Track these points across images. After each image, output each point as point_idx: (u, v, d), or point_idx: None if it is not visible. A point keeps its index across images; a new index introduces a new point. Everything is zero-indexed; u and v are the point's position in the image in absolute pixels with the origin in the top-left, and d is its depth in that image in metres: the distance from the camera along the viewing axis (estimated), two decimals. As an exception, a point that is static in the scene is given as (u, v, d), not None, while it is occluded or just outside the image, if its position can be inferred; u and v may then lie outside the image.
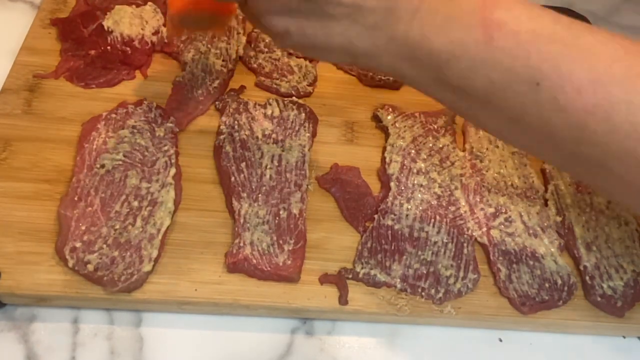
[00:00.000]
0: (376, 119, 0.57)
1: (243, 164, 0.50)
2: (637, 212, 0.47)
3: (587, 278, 0.48)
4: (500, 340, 0.47)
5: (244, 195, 0.49)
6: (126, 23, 0.59)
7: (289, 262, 0.45)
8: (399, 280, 0.46)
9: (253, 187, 0.49)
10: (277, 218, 0.48)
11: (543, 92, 0.32)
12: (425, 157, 0.54)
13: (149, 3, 0.62)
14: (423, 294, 0.46)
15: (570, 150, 0.34)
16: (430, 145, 0.55)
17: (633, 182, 0.33)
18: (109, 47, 0.58)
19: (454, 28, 0.33)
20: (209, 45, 0.60)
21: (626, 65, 0.31)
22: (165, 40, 0.60)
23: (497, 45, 0.32)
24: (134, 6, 0.61)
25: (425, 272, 0.47)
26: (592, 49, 0.32)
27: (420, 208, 0.50)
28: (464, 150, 0.56)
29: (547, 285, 0.47)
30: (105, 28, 0.59)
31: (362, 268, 0.46)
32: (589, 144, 0.32)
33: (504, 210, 0.51)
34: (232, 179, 0.49)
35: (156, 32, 0.60)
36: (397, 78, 0.37)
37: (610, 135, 0.31)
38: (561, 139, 0.33)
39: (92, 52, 0.58)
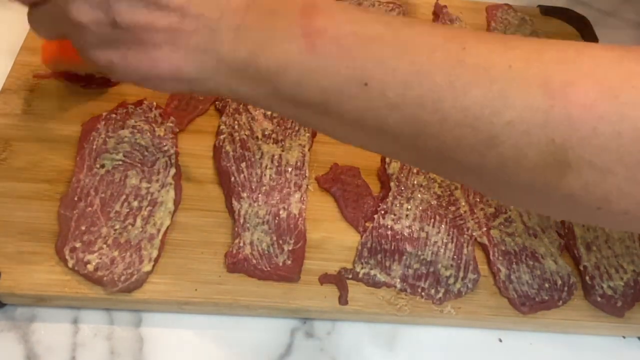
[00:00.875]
0: (376, 119, 0.57)
1: (243, 164, 0.50)
2: (493, 197, 0.47)
3: (587, 278, 0.48)
4: (500, 340, 0.47)
5: (244, 195, 0.49)
6: None
7: (289, 262, 0.45)
8: (398, 280, 0.46)
9: (253, 187, 0.49)
10: (277, 218, 0.48)
11: (372, 92, 0.32)
12: (425, 157, 0.54)
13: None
14: (423, 294, 0.46)
15: (411, 145, 0.34)
16: (430, 145, 0.55)
17: (473, 168, 0.33)
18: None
19: (277, 41, 0.33)
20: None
21: (446, 51, 0.31)
22: None
23: (321, 53, 0.32)
24: None
25: (425, 272, 0.47)
26: (413, 42, 0.32)
27: (420, 208, 0.50)
28: (464, 150, 0.56)
29: (547, 285, 0.47)
30: None
31: (362, 268, 0.46)
32: (425, 136, 0.32)
33: (504, 210, 0.51)
34: (232, 179, 0.49)
35: None
36: (236, 99, 0.37)
37: (441, 124, 0.32)
38: (400, 135, 0.33)
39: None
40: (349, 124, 0.34)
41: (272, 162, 0.51)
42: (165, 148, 0.51)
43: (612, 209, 0.31)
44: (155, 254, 0.44)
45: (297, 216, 0.48)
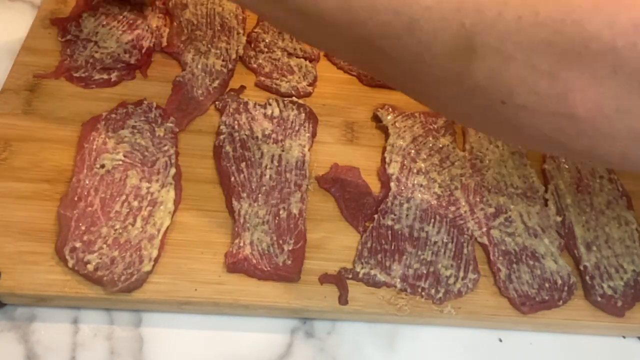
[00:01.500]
0: (376, 119, 0.57)
1: (243, 164, 0.50)
2: (417, 99, 0.48)
3: (587, 278, 0.48)
4: (500, 340, 0.47)
5: (244, 195, 0.49)
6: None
7: (289, 262, 0.45)
8: (398, 280, 0.46)
9: (253, 187, 0.49)
10: (277, 218, 0.48)
11: None
12: (425, 157, 0.54)
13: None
14: (423, 293, 0.46)
15: (345, 36, 0.36)
16: (430, 145, 0.55)
17: (397, 57, 0.35)
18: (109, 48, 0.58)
19: None
20: (209, 45, 0.60)
21: None
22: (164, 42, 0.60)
23: None
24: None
25: (425, 272, 0.47)
26: None
27: (420, 208, 0.50)
28: (464, 150, 0.56)
29: (547, 285, 0.47)
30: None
31: (362, 268, 0.46)
32: (356, 25, 0.35)
33: (504, 210, 0.51)
34: (232, 179, 0.49)
35: (157, 34, 0.60)
36: (255, 13, 0.41)
37: (369, 11, 0.34)
38: (337, 25, 0.36)
39: (92, 51, 0.58)
40: (296, 15, 0.37)
41: (272, 162, 0.51)
42: (165, 148, 0.51)
43: (514, 102, 0.32)
44: (155, 254, 0.44)
45: (297, 216, 0.48)
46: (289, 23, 0.40)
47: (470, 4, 0.31)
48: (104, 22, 0.60)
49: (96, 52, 0.58)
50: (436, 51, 0.33)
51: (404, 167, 0.53)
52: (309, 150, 0.53)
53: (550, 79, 0.30)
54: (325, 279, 0.46)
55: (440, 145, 0.55)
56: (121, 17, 0.61)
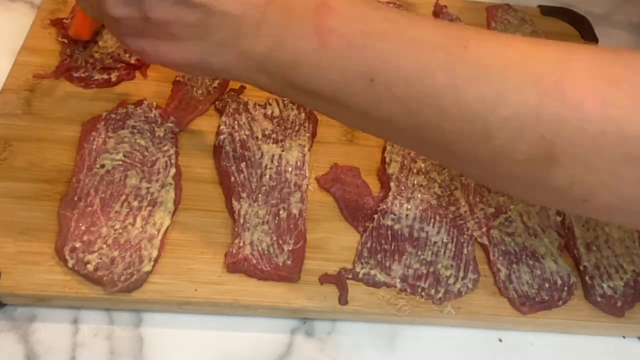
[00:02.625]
0: (376, 119, 0.57)
1: (243, 164, 0.50)
2: (491, 187, 0.50)
3: (587, 278, 0.48)
4: (500, 340, 0.47)
5: (244, 195, 0.49)
6: None
7: (289, 262, 0.45)
8: (398, 280, 0.46)
9: (253, 187, 0.49)
10: (277, 218, 0.48)
11: (378, 87, 0.34)
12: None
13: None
14: (423, 294, 0.46)
15: (415, 137, 0.36)
16: (430, 145, 0.55)
17: (471, 160, 0.35)
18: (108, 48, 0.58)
19: (293, 37, 0.35)
20: (209, 45, 0.60)
21: (447, 50, 0.33)
22: None
23: (330, 49, 0.34)
24: None
25: (425, 272, 0.47)
26: (417, 40, 0.34)
27: (420, 208, 0.50)
28: (464, 150, 0.56)
29: (547, 285, 0.47)
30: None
31: (362, 268, 0.46)
32: (427, 130, 0.34)
33: (503, 210, 0.51)
34: (232, 179, 0.49)
35: None
36: (259, 87, 0.39)
37: (441, 119, 0.33)
38: (404, 128, 0.35)
39: (92, 52, 0.58)
40: (358, 114, 0.36)
41: (272, 162, 0.51)
42: (165, 148, 0.51)
43: (597, 202, 0.33)
44: (155, 254, 0.44)
45: (297, 216, 0.48)
46: (345, 120, 0.40)
47: (549, 116, 0.31)
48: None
49: (96, 52, 0.58)
50: (513, 158, 0.33)
51: (404, 167, 0.53)
52: (309, 150, 0.53)
53: (635, 185, 0.31)
54: (325, 279, 0.46)
55: (440, 145, 0.55)
56: None
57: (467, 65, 0.33)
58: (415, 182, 0.52)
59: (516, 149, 0.32)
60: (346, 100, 0.36)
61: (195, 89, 0.57)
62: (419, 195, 0.51)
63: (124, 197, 0.47)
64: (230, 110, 0.55)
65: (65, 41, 0.58)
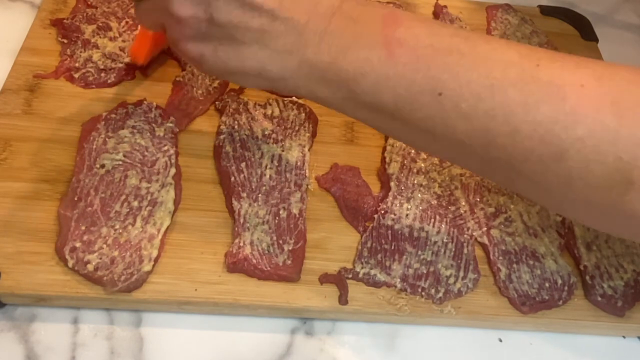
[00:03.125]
0: (376, 118, 0.57)
1: (243, 164, 0.50)
2: (556, 211, 0.49)
3: (587, 278, 0.48)
4: (500, 340, 0.47)
5: (244, 195, 0.49)
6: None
7: (289, 262, 0.45)
8: (399, 280, 0.46)
9: (253, 187, 0.49)
10: (277, 218, 0.48)
11: (446, 101, 0.34)
12: (425, 157, 0.54)
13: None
14: (423, 293, 0.46)
15: (480, 155, 0.35)
16: (430, 145, 0.55)
17: (540, 181, 0.34)
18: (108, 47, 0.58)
19: (359, 48, 0.35)
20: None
21: (520, 68, 0.33)
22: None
23: (399, 61, 0.34)
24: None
25: (425, 272, 0.47)
26: (488, 56, 0.34)
27: (420, 208, 0.50)
28: (464, 150, 0.56)
29: (547, 285, 0.47)
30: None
31: (362, 268, 0.46)
32: (494, 147, 0.34)
33: (504, 210, 0.51)
34: (232, 179, 0.49)
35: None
36: (314, 100, 0.39)
37: (512, 137, 0.33)
38: (469, 144, 0.35)
39: (92, 52, 0.58)
40: (420, 131, 0.36)
41: (272, 162, 0.51)
42: (165, 148, 0.51)
43: None
44: (155, 254, 0.44)
45: (297, 216, 0.48)
46: (406, 137, 0.39)
47: (627, 137, 0.31)
48: (104, 23, 0.60)
49: (96, 52, 0.58)
50: (587, 179, 0.32)
51: (404, 167, 0.53)
52: (309, 150, 0.53)
53: None
54: (325, 279, 0.46)
55: (440, 145, 0.55)
56: (121, 17, 0.61)
57: (540, 83, 0.32)
58: (415, 182, 0.52)
59: (591, 171, 0.32)
60: (410, 115, 0.35)
61: (195, 89, 0.57)
62: (419, 195, 0.51)
63: (124, 197, 0.47)
64: (230, 110, 0.55)
65: (65, 41, 0.59)
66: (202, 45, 0.38)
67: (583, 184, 0.32)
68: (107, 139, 0.50)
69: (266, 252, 0.46)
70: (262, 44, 0.36)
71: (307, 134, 0.54)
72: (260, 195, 0.49)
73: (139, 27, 0.57)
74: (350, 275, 0.46)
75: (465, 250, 0.48)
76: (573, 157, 0.32)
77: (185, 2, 0.36)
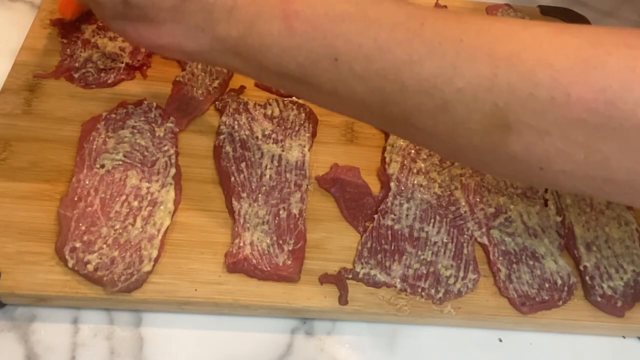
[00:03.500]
0: (376, 119, 0.57)
1: (243, 164, 0.50)
2: (452, 159, 0.52)
3: (587, 278, 0.48)
4: (500, 340, 0.47)
5: (244, 195, 0.49)
6: None
7: (289, 262, 0.45)
8: (398, 280, 0.46)
9: (253, 187, 0.49)
10: (277, 218, 0.48)
11: (342, 65, 0.36)
12: (425, 157, 0.54)
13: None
14: (423, 294, 0.46)
15: (378, 112, 0.37)
16: (430, 145, 0.55)
17: (432, 132, 0.36)
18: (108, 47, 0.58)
19: (262, 22, 0.37)
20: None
21: (405, 28, 0.35)
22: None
23: (297, 32, 0.36)
24: None
25: (425, 272, 0.47)
26: (377, 19, 0.35)
27: (420, 208, 0.50)
28: (464, 150, 0.56)
29: (547, 285, 0.47)
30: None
31: (362, 268, 0.46)
32: (389, 104, 0.36)
33: (504, 211, 0.51)
34: (232, 179, 0.49)
35: None
36: (232, 70, 0.42)
37: (402, 93, 0.35)
38: (369, 104, 0.37)
39: (92, 52, 0.58)
40: (325, 94, 0.38)
41: (272, 162, 0.51)
42: (165, 148, 0.51)
43: (552, 168, 0.34)
44: (155, 254, 0.44)
45: (297, 216, 0.48)
46: (316, 100, 0.41)
47: (501, 85, 0.33)
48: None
49: (96, 52, 0.58)
50: (471, 127, 0.34)
51: (404, 167, 0.53)
52: (309, 150, 0.53)
53: (586, 149, 0.32)
54: (325, 279, 0.46)
55: (440, 145, 0.55)
56: None
57: (424, 41, 0.34)
58: (415, 182, 0.52)
59: (472, 119, 0.34)
60: (313, 81, 0.37)
61: (195, 89, 0.57)
62: (419, 195, 0.51)
63: (124, 197, 0.47)
64: (230, 110, 0.55)
65: (65, 41, 0.59)
66: (125, 23, 0.40)
67: (467, 131, 0.34)
68: (107, 139, 0.50)
69: (266, 252, 0.46)
70: (176, 22, 0.39)
71: (307, 134, 0.54)
72: (260, 195, 0.49)
73: None
74: (350, 276, 0.46)
75: (465, 251, 0.48)
76: (456, 108, 0.34)
77: None
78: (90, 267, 0.43)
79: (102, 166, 0.48)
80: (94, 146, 0.50)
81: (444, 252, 0.48)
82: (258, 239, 0.46)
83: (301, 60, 0.37)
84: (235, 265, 0.45)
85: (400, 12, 0.36)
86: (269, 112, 0.55)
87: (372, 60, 0.35)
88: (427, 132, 0.36)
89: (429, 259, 0.47)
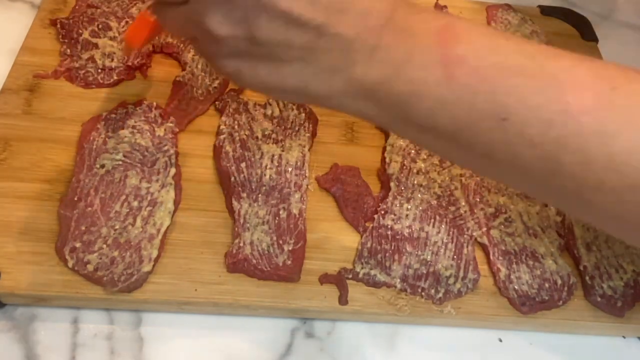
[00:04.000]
0: (376, 119, 0.57)
1: (243, 164, 0.50)
2: (625, 240, 0.46)
3: (587, 278, 0.48)
4: (500, 340, 0.47)
5: (244, 195, 0.49)
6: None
7: (289, 262, 0.45)
8: (398, 280, 0.46)
9: (253, 187, 0.49)
10: (277, 218, 0.48)
11: (510, 128, 0.31)
12: (425, 157, 0.54)
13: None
14: (423, 294, 0.46)
15: (544, 183, 0.33)
16: (430, 145, 0.55)
17: (612, 212, 0.32)
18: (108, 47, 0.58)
19: (414, 67, 0.32)
20: (209, 45, 0.60)
21: (595, 92, 0.30)
22: (163, 42, 0.60)
23: (459, 83, 0.31)
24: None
25: (425, 272, 0.47)
26: (558, 77, 0.31)
27: (420, 208, 0.50)
28: (464, 150, 0.56)
29: (547, 285, 0.47)
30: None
31: (362, 268, 0.46)
32: (563, 176, 0.32)
33: (503, 211, 0.51)
34: (232, 179, 0.49)
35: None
36: (360, 118, 0.36)
37: (584, 167, 0.31)
38: (533, 172, 0.32)
39: (92, 52, 0.58)
40: (478, 155, 0.33)
41: (272, 162, 0.51)
42: (165, 148, 0.51)
43: None
44: (155, 254, 0.44)
45: (297, 216, 0.48)
46: (461, 160, 0.36)
47: None
48: (104, 22, 0.60)
49: (96, 52, 0.58)
50: None
51: (404, 167, 0.53)
52: (309, 150, 0.53)
53: None
54: (325, 279, 0.46)
55: (440, 145, 0.55)
56: (121, 17, 0.61)
57: (618, 109, 0.30)
58: (415, 182, 0.52)
59: None
60: (469, 140, 0.32)
61: (195, 89, 0.57)
62: (419, 195, 0.51)
63: (124, 197, 0.47)
64: (230, 110, 0.55)
65: (65, 41, 0.59)
66: (240, 62, 0.34)
67: None
68: (107, 139, 0.50)
69: (266, 252, 0.46)
70: (306, 62, 0.33)
71: (307, 134, 0.54)
72: (260, 195, 0.49)
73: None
74: (350, 276, 0.46)
75: (465, 251, 0.48)
76: None
77: (224, 21, 0.32)
78: (90, 267, 0.43)
79: (102, 166, 0.48)
80: (94, 146, 0.50)
81: (444, 252, 0.48)
82: (258, 239, 0.46)
83: (459, 116, 0.31)
84: (235, 265, 0.45)
85: (584, 70, 0.31)
86: (269, 112, 0.55)
87: (551, 126, 0.30)
88: (605, 211, 0.32)
89: (429, 259, 0.47)
